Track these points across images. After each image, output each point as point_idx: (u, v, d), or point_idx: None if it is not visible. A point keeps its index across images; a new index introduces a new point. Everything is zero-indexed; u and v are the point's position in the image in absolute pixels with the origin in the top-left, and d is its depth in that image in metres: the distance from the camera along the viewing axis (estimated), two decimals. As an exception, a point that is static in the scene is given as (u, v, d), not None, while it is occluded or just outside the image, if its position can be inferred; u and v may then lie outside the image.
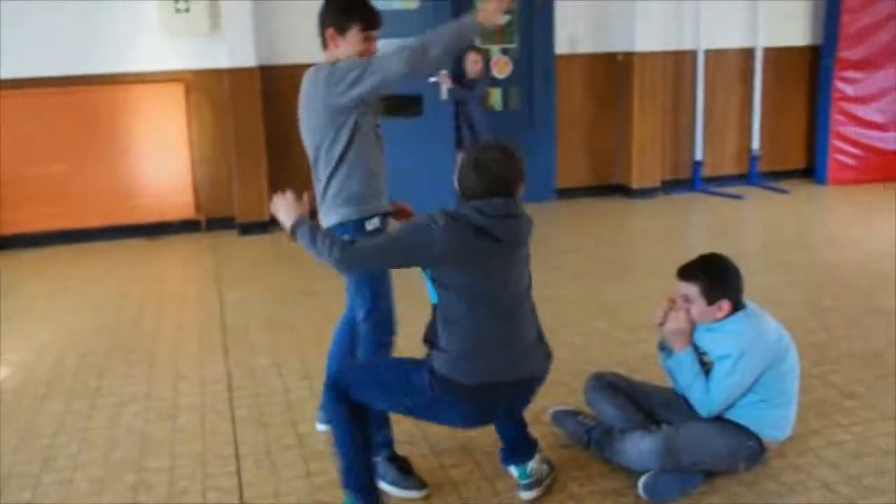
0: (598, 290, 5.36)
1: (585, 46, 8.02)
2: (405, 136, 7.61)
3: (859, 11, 8.18)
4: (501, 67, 7.80)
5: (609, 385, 3.22)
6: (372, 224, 3.04)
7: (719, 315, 2.97)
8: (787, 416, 3.06)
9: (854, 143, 8.53)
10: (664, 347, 3.13)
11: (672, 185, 8.39)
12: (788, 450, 3.19)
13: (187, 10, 6.72)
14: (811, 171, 8.78)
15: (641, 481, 2.90)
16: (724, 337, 2.95)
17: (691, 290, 2.97)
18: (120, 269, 6.18)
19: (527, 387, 2.76)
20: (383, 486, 2.94)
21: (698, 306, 2.97)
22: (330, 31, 3.02)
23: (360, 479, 2.75)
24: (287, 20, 6.90)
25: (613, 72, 8.12)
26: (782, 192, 8.30)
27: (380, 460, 2.97)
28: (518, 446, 2.99)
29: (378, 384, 2.75)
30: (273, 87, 6.96)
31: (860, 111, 8.48)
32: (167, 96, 6.92)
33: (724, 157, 8.66)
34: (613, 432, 3.10)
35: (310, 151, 3.09)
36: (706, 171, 8.49)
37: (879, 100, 8.51)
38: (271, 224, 7.10)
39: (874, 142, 8.57)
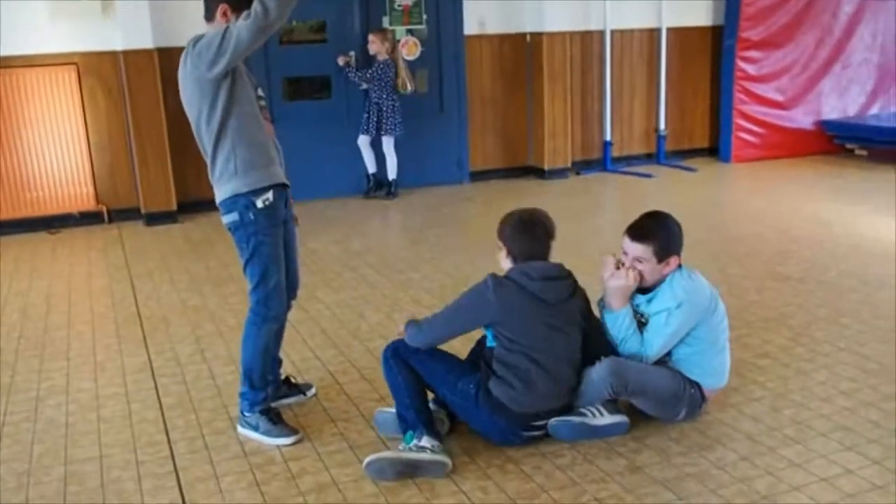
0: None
1: (494, 27, 7.98)
2: (314, 119, 7.47)
3: (757, -8, 8.39)
4: (410, 49, 7.68)
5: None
6: (264, 201, 3.04)
7: (666, 271, 3.02)
8: (723, 363, 3.13)
9: (756, 122, 8.75)
10: (603, 304, 3.13)
11: (583, 166, 8.45)
12: (710, 407, 3.25)
13: (78, -10, 6.40)
14: (716, 150, 8.97)
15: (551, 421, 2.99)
16: (662, 291, 3.00)
17: (645, 250, 2.99)
18: (23, 265, 5.83)
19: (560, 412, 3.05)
20: (255, 435, 3.18)
21: (649, 265, 3.00)
22: (224, 7, 2.98)
23: (422, 418, 2.99)
24: None
25: (523, 52, 8.12)
26: (689, 170, 8.45)
27: (254, 413, 3.20)
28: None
29: (433, 370, 3.04)
30: (172, 69, 6.62)
31: (761, 90, 8.69)
32: (59, 81, 6.57)
33: (632, 138, 8.78)
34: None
35: (193, 128, 3.08)
36: (615, 152, 8.58)
37: (779, 78, 8.74)
38: (179, 213, 6.85)
39: (775, 120, 8.81)
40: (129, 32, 6.52)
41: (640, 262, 3.00)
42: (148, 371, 3.90)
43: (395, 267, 5.46)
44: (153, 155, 6.70)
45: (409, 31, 7.72)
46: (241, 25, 2.79)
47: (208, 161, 3.09)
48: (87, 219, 6.84)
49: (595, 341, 3.09)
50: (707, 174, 8.34)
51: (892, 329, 4.08)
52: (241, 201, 3.04)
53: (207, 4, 3.04)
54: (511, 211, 3.14)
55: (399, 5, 7.61)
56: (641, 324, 3.06)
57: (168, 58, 6.63)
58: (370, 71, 7.18)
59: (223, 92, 2.95)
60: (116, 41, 6.61)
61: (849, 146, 8.89)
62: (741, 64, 8.54)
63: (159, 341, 4.27)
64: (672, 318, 2.95)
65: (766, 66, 8.65)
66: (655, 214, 3.11)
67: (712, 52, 8.87)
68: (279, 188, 3.13)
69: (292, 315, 3.50)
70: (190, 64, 2.95)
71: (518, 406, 2.93)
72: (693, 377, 3.07)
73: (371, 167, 7.51)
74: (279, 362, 3.40)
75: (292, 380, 3.57)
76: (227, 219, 3.10)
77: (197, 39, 2.94)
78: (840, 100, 9.10)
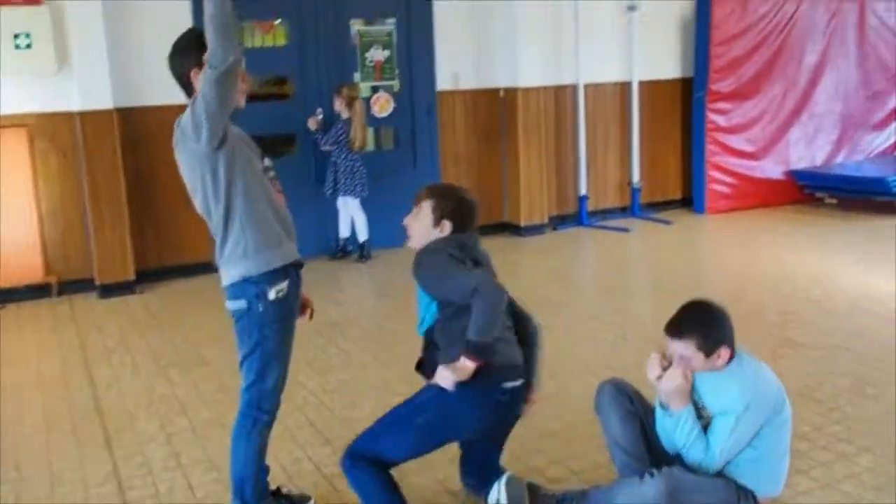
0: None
1: (468, 82, 7.77)
2: (280, 178, 7.11)
3: (727, 44, 8.34)
4: (382, 105, 7.41)
5: (627, 397, 2.94)
6: (277, 291, 2.80)
7: (719, 363, 2.73)
8: (782, 470, 2.84)
9: (728, 172, 8.66)
10: (662, 404, 2.82)
11: (558, 221, 8.23)
12: None
13: (29, 47, 5.97)
14: (689, 201, 8.85)
15: None
16: (726, 390, 2.70)
17: (687, 347, 2.71)
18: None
19: (522, 375, 2.91)
20: None
21: (697, 361, 2.72)
22: (193, 71, 2.71)
23: None
24: (146, 57, 6.27)
25: (496, 107, 7.91)
26: (665, 223, 8.28)
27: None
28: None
29: (396, 431, 2.84)
30: (133, 130, 6.32)
31: (732, 141, 8.62)
32: (7, 144, 6.10)
33: (606, 191, 8.60)
34: (587, 494, 2.84)
35: (201, 210, 2.84)
36: (590, 206, 8.38)
37: (749, 129, 8.69)
38: (137, 283, 6.39)
39: (746, 170, 8.73)
40: (87, 92, 6.11)
41: (685, 359, 2.72)
42: (114, 482, 3.41)
43: (380, 340, 5.11)
44: (111, 220, 6.24)
45: (375, 89, 7.44)
46: (201, 84, 2.59)
47: (218, 241, 2.82)
48: (35, 292, 6.31)
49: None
50: (683, 227, 8.19)
51: (925, 400, 3.88)
52: (251, 289, 2.77)
53: (181, 82, 2.78)
54: (449, 185, 3.19)
55: (371, 61, 7.35)
56: (701, 416, 2.75)
57: (129, 119, 6.31)
58: (332, 131, 6.88)
59: (222, 166, 2.71)
60: (73, 101, 6.19)
61: (819, 195, 8.85)
62: (712, 115, 8.46)
63: (125, 443, 3.77)
64: (741, 423, 2.65)
65: (736, 117, 8.60)
66: (692, 305, 2.83)
67: (682, 105, 8.80)
68: (294, 270, 2.86)
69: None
70: (181, 143, 2.74)
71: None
72: (749, 485, 2.75)
73: (344, 230, 7.17)
74: (266, 470, 3.01)
75: (283, 490, 3.14)
76: (232, 305, 2.82)
77: (181, 118, 2.73)
78: (808, 149, 9.09)
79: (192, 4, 6.56)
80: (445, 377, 2.73)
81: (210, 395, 4.25)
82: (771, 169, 8.85)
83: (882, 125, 9.58)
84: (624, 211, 8.65)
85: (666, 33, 8.64)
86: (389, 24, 7.43)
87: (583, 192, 8.28)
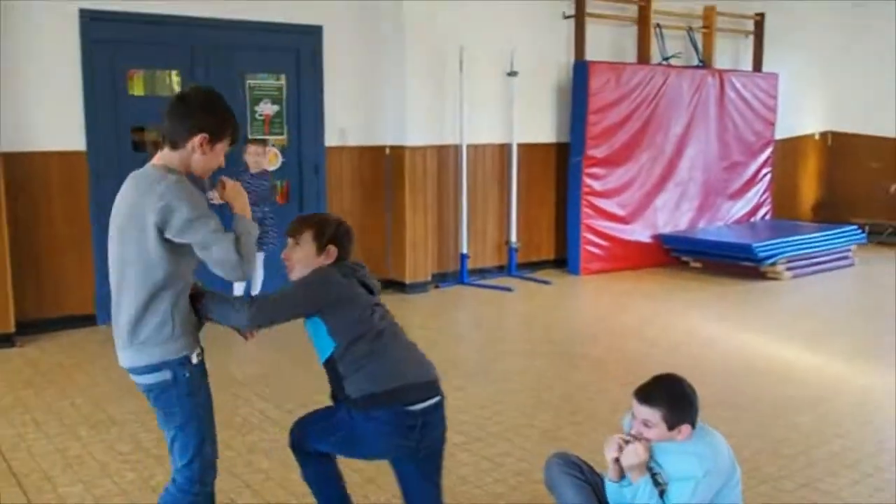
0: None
1: (355, 139, 7.78)
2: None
3: (602, 112, 8.76)
4: (271, 159, 7.29)
5: (577, 467, 3.00)
6: (198, 354, 2.65)
7: (679, 438, 2.80)
8: None
9: (601, 235, 9.02)
10: (612, 478, 2.88)
11: (440, 279, 8.30)
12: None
13: None
14: (562, 262, 9.14)
15: None
16: (685, 458, 2.78)
17: (653, 415, 2.79)
18: None
19: (436, 391, 2.94)
20: None
21: (658, 431, 2.79)
22: (202, 137, 2.57)
23: None
24: (32, 100, 5.96)
25: (382, 165, 7.95)
26: (544, 282, 8.51)
27: None
28: None
29: (321, 438, 3.00)
30: (16, 176, 5.95)
31: (605, 204, 9.00)
32: None
33: (485, 250, 8.77)
34: None
35: (115, 265, 2.61)
36: (469, 264, 8.51)
37: (621, 194, 9.11)
38: (18, 335, 5.97)
39: (618, 233, 9.13)
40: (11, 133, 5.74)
41: (648, 426, 2.81)
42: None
43: (296, 399, 4.92)
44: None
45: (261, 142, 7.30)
46: (221, 245, 2.48)
47: (130, 316, 2.56)
48: None
49: None
50: (562, 287, 8.44)
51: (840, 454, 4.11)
52: (173, 362, 2.58)
53: (179, 128, 2.59)
54: (324, 213, 3.30)
55: (260, 115, 7.25)
56: (657, 482, 2.81)
57: (13, 164, 5.95)
58: (260, 192, 6.44)
59: (175, 246, 2.53)
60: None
61: (684, 258, 9.35)
62: (587, 180, 8.82)
63: (49, 507, 3.50)
64: (700, 487, 2.73)
65: (610, 182, 9.00)
66: (666, 378, 2.91)
67: (557, 168, 9.13)
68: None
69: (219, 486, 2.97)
70: (151, 202, 2.48)
71: (383, 382, 2.83)
72: None
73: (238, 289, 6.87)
74: None
75: None
76: (150, 378, 2.59)
77: (165, 181, 2.49)
78: (672, 215, 9.61)
79: (80, 49, 6.31)
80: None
81: (130, 456, 4.02)
82: (640, 232, 9.29)
83: (739, 194, 10.30)
84: (501, 269, 8.83)
85: (542, 99, 8.98)
86: (280, 80, 7.38)
87: (464, 250, 8.40)
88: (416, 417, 2.83)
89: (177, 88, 6.97)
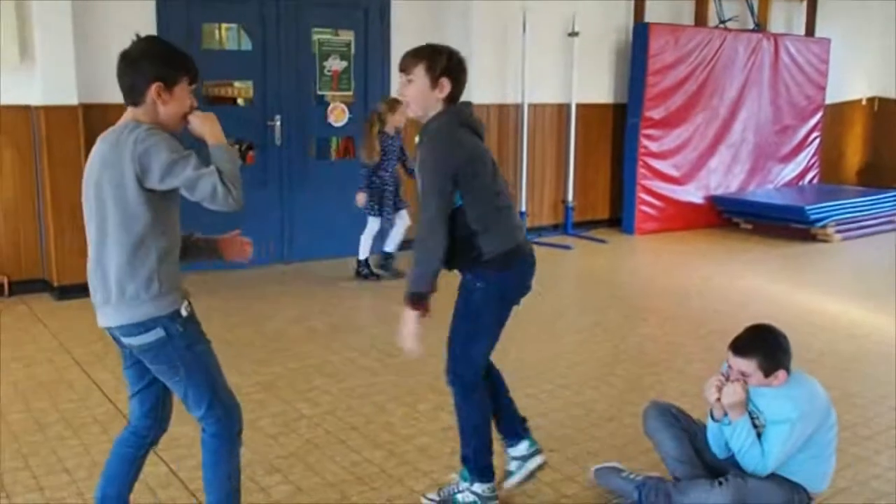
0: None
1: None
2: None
3: (661, 74, 8.83)
4: (337, 115, 7.45)
5: (672, 416, 3.21)
6: (186, 307, 2.56)
7: (776, 384, 2.97)
8: (831, 468, 3.12)
9: (655, 195, 9.14)
10: (713, 416, 3.06)
11: (499, 236, 8.44)
12: None
13: (-9, 36, 5.71)
14: (616, 221, 9.28)
15: None
16: (781, 402, 2.94)
17: (749, 365, 2.96)
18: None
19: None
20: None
21: (756, 379, 2.97)
22: (157, 87, 2.48)
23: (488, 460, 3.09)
24: (112, 54, 6.08)
25: (446, 123, 8.07)
26: (600, 241, 8.66)
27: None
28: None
29: (473, 340, 2.99)
30: (96, 128, 6.06)
31: (660, 165, 9.11)
32: (-39, 136, 5.82)
33: (542, 209, 8.91)
34: (666, 487, 3.05)
35: (91, 219, 2.52)
36: (526, 222, 8.67)
37: (675, 156, 9.21)
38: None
39: (671, 194, 9.24)
40: (51, 85, 5.90)
41: (746, 376, 2.98)
42: (178, 486, 3.34)
43: (379, 348, 5.13)
44: (70, 219, 6.00)
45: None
46: (205, 180, 2.38)
47: (112, 274, 2.47)
48: (-18, 290, 6.05)
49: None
50: (618, 246, 8.58)
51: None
52: (163, 318, 2.50)
53: (132, 84, 2.51)
54: (435, 44, 2.99)
55: (329, 71, 7.38)
56: (755, 425, 3.00)
57: (94, 115, 6.08)
58: (397, 151, 6.59)
59: (156, 197, 2.45)
60: (32, 94, 5.96)
61: (735, 220, 9.46)
62: (643, 141, 8.93)
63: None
64: (795, 430, 2.91)
65: (665, 143, 9.09)
66: (758, 328, 3.08)
67: (613, 129, 9.23)
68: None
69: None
70: (126, 153, 2.39)
71: (513, 240, 2.93)
72: (800, 481, 3.03)
73: (391, 245, 6.87)
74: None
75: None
76: (144, 339, 2.49)
77: (136, 131, 2.41)
78: (724, 177, 9.70)
79: (155, 4, 6.46)
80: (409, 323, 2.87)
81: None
82: (693, 193, 9.40)
83: (789, 158, 10.36)
84: (556, 228, 8.98)
85: (601, 60, 9.06)
86: (348, 36, 7.51)
87: (523, 208, 8.55)
88: (531, 256, 3.03)
89: (245, 44, 7.09)
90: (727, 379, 2.99)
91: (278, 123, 7.10)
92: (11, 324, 5.54)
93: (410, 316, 2.86)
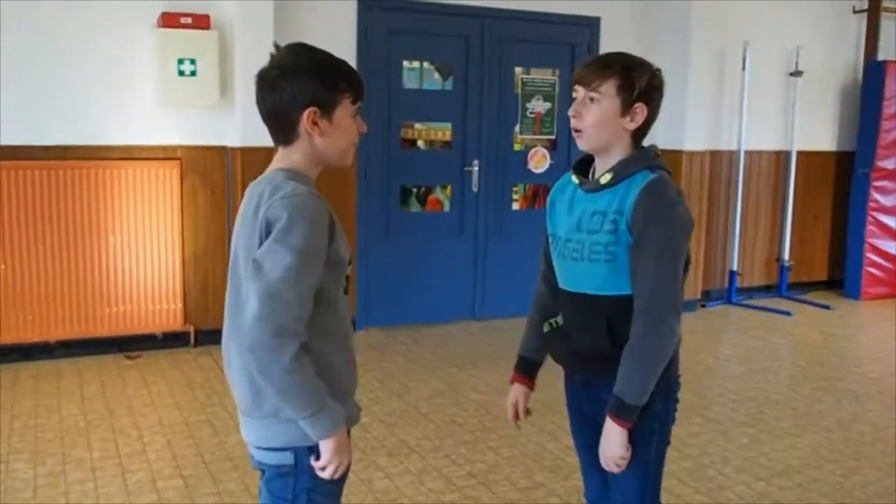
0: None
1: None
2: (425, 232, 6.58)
3: (894, 120, 7.76)
4: (539, 161, 6.84)
5: None
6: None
7: None
8: None
9: (885, 256, 8.01)
10: None
11: (705, 297, 7.58)
12: None
13: (194, 74, 5.43)
14: (834, 283, 8.22)
15: None
16: None
17: None
18: (95, 401, 4.68)
19: None
20: None
21: None
22: (309, 113, 1.89)
23: None
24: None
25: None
26: (824, 307, 7.61)
27: None
28: None
29: (649, 484, 2.23)
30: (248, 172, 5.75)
31: (893, 222, 7.99)
32: (158, 179, 5.54)
33: (753, 268, 7.97)
34: None
35: (231, 302, 1.95)
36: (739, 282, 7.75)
37: (910, 211, 8.07)
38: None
39: (903, 254, 8.09)
40: (251, 126, 5.52)
41: None
42: None
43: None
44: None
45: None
46: (271, 289, 1.75)
47: (243, 382, 1.92)
48: (171, 341, 5.72)
49: None
50: (845, 313, 7.50)
51: None
52: (300, 448, 1.91)
53: (271, 119, 1.92)
54: (628, 54, 2.15)
55: (531, 112, 6.79)
56: None
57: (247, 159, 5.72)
58: None
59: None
60: (229, 135, 5.65)
61: (980, 288, 8.18)
62: (874, 194, 7.85)
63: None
64: None
65: (897, 197, 7.98)
66: None
67: (835, 179, 8.21)
68: None
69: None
70: (258, 224, 1.83)
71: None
72: None
73: None
74: None
75: None
76: (266, 457, 1.96)
77: (286, 187, 1.84)
78: (966, 237, 8.43)
79: (356, 42, 6.08)
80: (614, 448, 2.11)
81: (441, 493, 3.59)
82: (930, 255, 8.20)
83: None
84: (769, 289, 8.00)
85: (825, 102, 8.08)
86: (554, 75, 6.91)
87: (734, 267, 7.65)
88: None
89: (444, 83, 6.60)
90: None
91: (475, 168, 6.55)
92: (197, 377, 5.16)
93: (623, 438, 2.09)
